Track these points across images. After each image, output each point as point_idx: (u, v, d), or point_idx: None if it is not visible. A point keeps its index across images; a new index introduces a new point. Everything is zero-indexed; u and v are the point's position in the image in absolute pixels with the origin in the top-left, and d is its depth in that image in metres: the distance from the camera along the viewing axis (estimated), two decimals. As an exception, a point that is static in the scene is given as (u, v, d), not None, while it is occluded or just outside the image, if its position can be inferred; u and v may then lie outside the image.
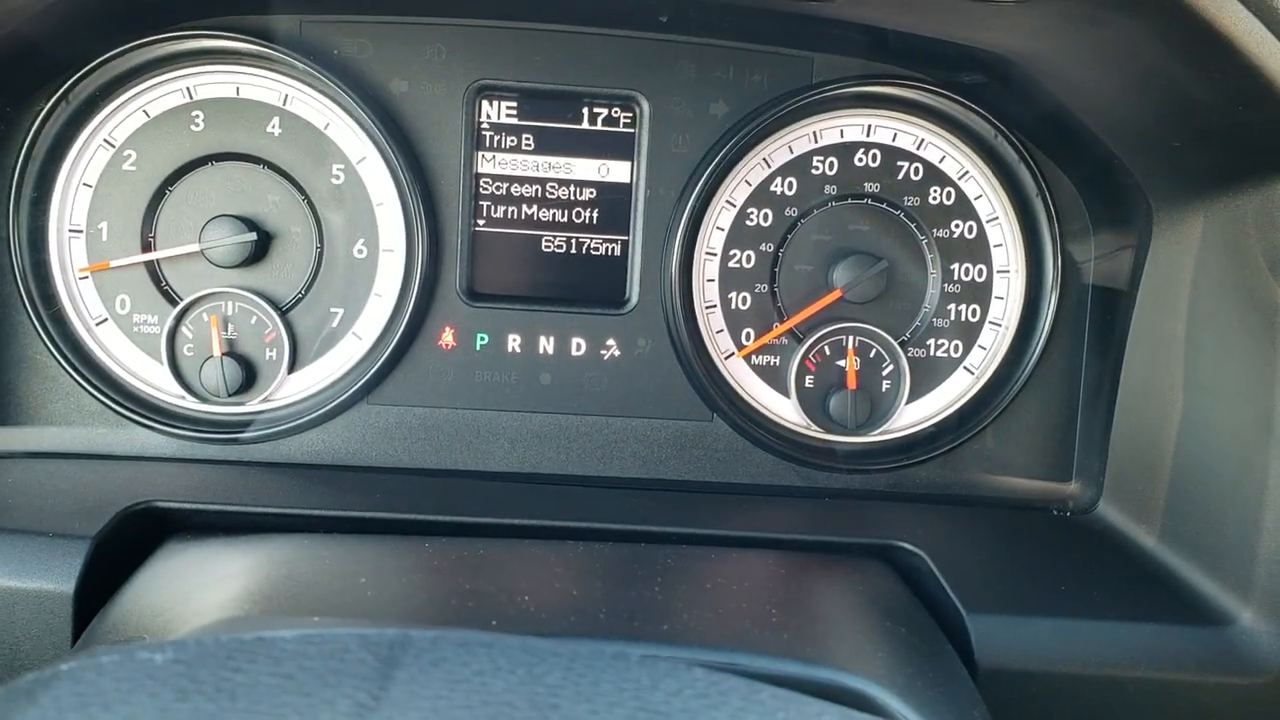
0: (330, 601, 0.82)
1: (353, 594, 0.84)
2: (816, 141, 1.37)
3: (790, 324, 1.38)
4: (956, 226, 1.38)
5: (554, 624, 0.77)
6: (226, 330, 1.33)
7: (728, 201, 1.37)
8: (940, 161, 1.37)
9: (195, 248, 1.30)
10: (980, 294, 1.39)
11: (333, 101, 1.31)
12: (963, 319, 1.40)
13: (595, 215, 1.37)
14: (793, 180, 1.37)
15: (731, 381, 1.39)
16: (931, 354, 1.40)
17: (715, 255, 1.37)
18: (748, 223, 1.37)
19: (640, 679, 0.50)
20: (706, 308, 1.38)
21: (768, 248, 1.37)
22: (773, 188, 1.37)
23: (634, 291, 1.37)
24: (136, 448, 1.32)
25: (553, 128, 1.35)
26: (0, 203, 1.27)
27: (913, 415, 1.40)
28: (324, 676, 0.46)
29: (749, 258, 1.38)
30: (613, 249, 1.37)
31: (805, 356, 1.38)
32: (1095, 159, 1.26)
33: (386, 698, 0.46)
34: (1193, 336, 1.16)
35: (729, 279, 1.38)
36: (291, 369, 1.34)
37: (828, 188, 1.37)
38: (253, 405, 1.34)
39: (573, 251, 1.37)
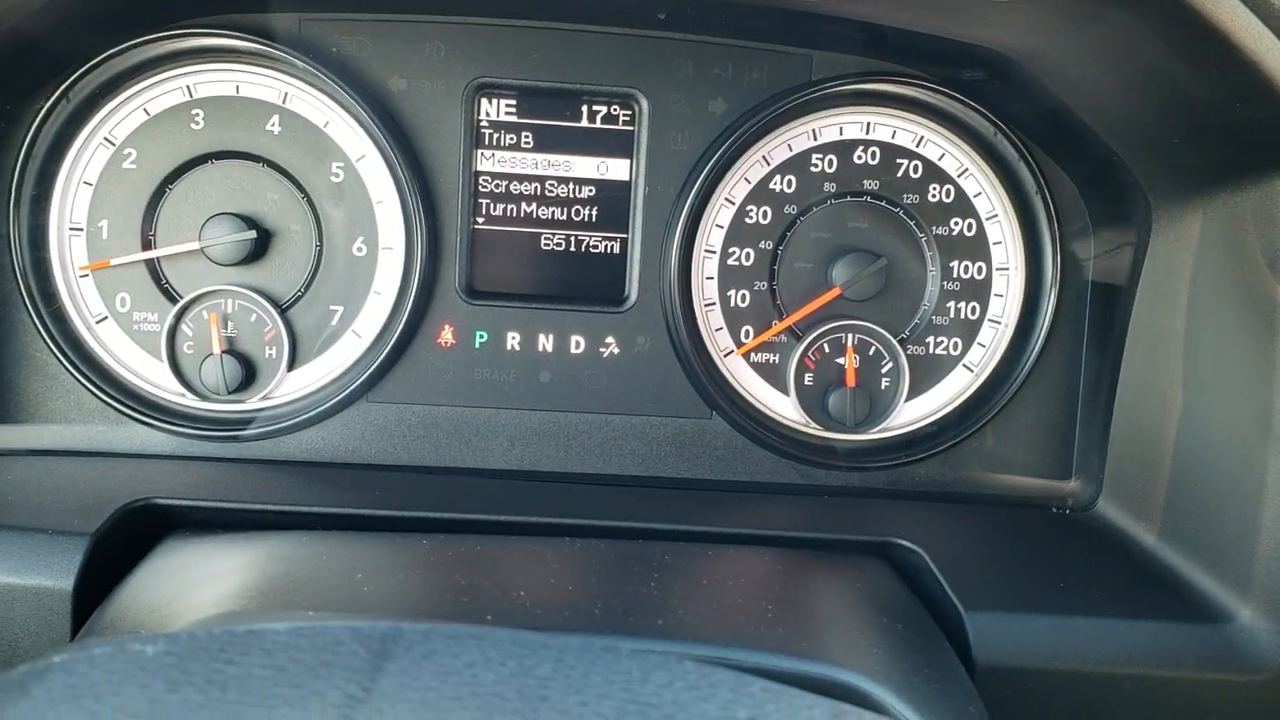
0: (326, 597, 0.83)
1: (349, 589, 0.84)
2: (816, 139, 1.37)
3: (789, 322, 1.38)
4: (956, 224, 1.38)
5: (549, 619, 0.77)
6: (226, 328, 1.33)
7: (727, 199, 1.37)
8: (939, 159, 1.37)
9: (195, 246, 1.31)
10: (979, 291, 1.39)
11: (332, 100, 1.32)
12: (962, 316, 1.39)
13: (594, 213, 1.37)
14: (792, 178, 1.37)
15: (730, 379, 1.39)
16: (931, 351, 1.40)
17: (714, 253, 1.37)
18: (747, 220, 1.37)
19: (631, 671, 0.50)
20: (705, 305, 1.38)
21: (767, 245, 1.37)
22: (772, 185, 1.37)
23: (633, 289, 1.37)
24: (136, 445, 1.32)
25: (552, 125, 1.35)
26: (1, 201, 1.28)
27: (912, 413, 1.40)
28: (315, 668, 0.47)
29: (748, 255, 1.38)
30: (612, 247, 1.37)
31: (804, 354, 1.38)
32: (1094, 156, 1.26)
33: (377, 689, 0.46)
34: (1192, 333, 1.16)
35: (728, 276, 1.38)
36: (291, 367, 1.35)
37: (827, 185, 1.37)
38: (252, 403, 1.34)
39: (572, 249, 1.37)
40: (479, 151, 1.35)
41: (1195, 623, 1.05)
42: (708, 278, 1.37)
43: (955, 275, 1.39)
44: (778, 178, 1.37)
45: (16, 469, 1.22)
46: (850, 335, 1.38)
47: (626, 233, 1.37)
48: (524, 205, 1.36)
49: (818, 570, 1.05)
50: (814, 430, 1.39)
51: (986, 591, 1.06)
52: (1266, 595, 1.03)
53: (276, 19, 1.29)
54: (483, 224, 1.36)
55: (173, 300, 1.33)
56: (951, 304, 1.39)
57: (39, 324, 1.29)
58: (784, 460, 1.38)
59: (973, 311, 1.39)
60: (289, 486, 1.24)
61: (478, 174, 1.35)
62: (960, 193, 1.38)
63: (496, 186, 1.36)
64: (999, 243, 1.38)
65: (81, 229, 1.32)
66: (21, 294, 1.29)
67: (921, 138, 1.37)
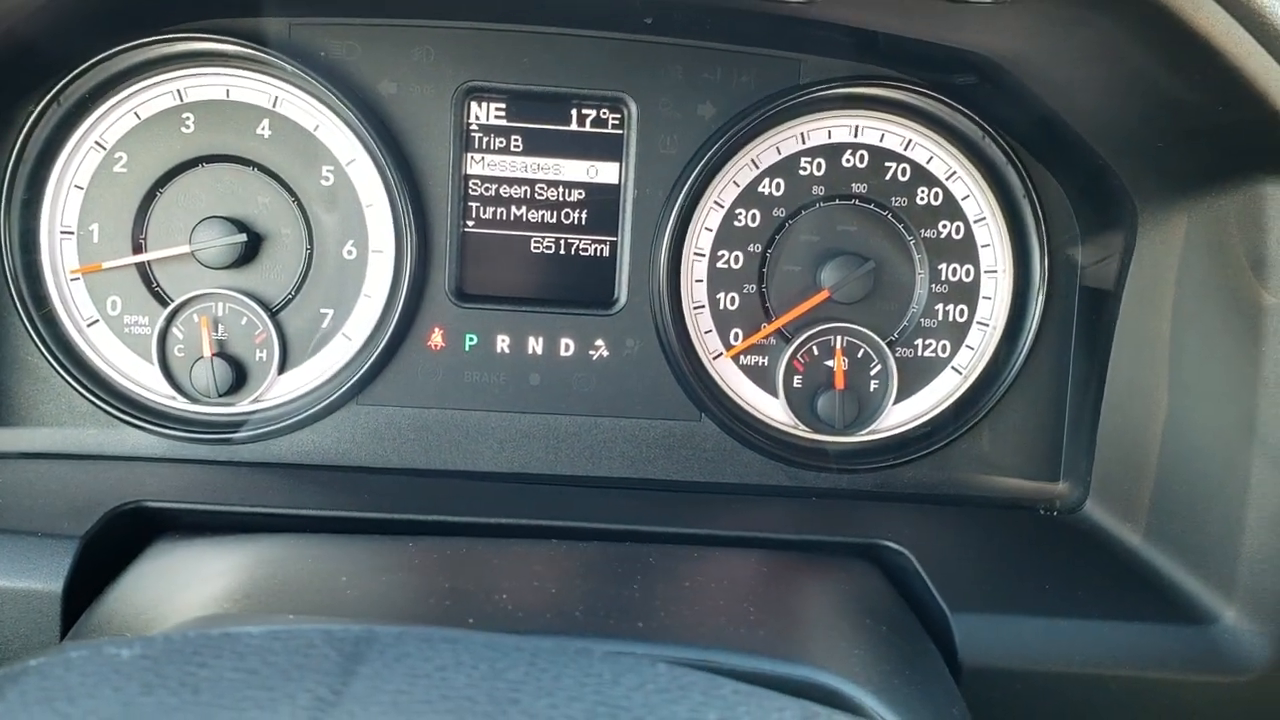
0: (310, 600, 0.83)
1: (332, 592, 0.84)
2: (804, 142, 1.37)
3: (778, 324, 1.38)
4: (944, 227, 1.39)
5: (530, 622, 0.78)
6: (217, 331, 1.34)
7: (716, 202, 1.37)
8: (928, 162, 1.38)
9: (186, 249, 1.31)
10: (968, 294, 1.40)
11: (322, 104, 1.32)
12: (950, 319, 1.40)
13: (584, 216, 1.37)
14: (780, 181, 1.37)
15: (720, 381, 1.39)
16: (919, 354, 1.40)
17: (703, 256, 1.38)
18: (736, 223, 1.38)
19: (602, 674, 0.50)
20: (695, 308, 1.38)
21: (756, 248, 1.38)
22: (761, 188, 1.37)
23: (622, 292, 1.37)
24: (127, 448, 1.32)
25: (541, 129, 1.36)
26: (-8, 205, 1.28)
27: (900, 415, 1.41)
28: (287, 671, 0.47)
29: (737, 258, 1.38)
30: (601, 250, 1.38)
31: (793, 356, 1.38)
32: (1081, 160, 1.26)
33: (348, 692, 0.46)
34: (1177, 336, 1.16)
35: (717, 279, 1.38)
36: (281, 370, 1.35)
37: (815, 188, 1.37)
38: (243, 406, 1.35)
39: (561, 252, 1.38)
40: (469, 155, 1.35)
41: (1180, 624, 1.06)
42: (697, 280, 1.38)
43: (944, 278, 1.39)
44: (766, 181, 1.37)
45: (7, 472, 1.22)
46: (839, 338, 1.38)
47: (616, 236, 1.37)
48: (514, 208, 1.37)
49: (803, 572, 1.05)
50: (803, 432, 1.40)
51: (973, 593, 1.06)
52: (1250, 597, 1.04)
53: (267, 23, 1.30)
54: (472, 227, 1.37)
55: (163, 303, 1.33)
56: (940, 306, 1.40)
57: (30, 327, 1.30)
58: (773, 462, 1.39)
59: (961, 314, 1.40)
60: (279, 489, 1.25)
61: (467, 177, 1.36)
62: (948, 196, 1.38)
63: (486, 190, 1.36)
64: (987, 245, 1.39)
65: (72, 232, 1.32)
66: (13, 297, 1.30)
67: (910, 141, 1.37)
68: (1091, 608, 1.07)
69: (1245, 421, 1.04)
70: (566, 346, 1.37)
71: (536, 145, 1.36)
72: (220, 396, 1.33)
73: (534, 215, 1.37)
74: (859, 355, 1.39)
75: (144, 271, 1.34)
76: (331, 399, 1.33)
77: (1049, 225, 1.36)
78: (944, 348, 1.40)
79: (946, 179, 1.38)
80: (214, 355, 1.32)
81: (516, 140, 1.36)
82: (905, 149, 1.38)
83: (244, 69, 1.32)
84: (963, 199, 1.38)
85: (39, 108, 1.27)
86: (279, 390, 1.36)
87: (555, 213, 1.37)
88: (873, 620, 0.95)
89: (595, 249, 1.38)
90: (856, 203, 1.38)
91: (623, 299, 1.37)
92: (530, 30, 1.33)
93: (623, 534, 1.12)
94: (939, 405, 1.41)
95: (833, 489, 1.39)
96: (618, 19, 1.31)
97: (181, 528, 1.09)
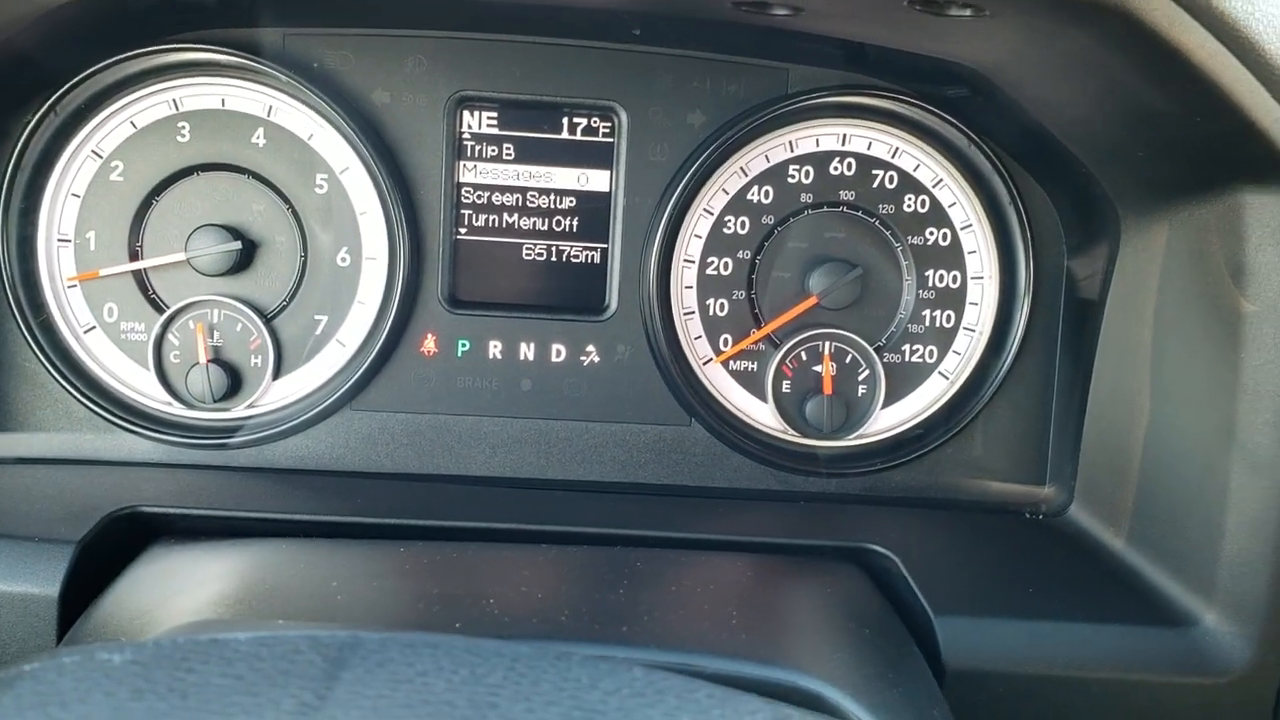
0: (301, 605, 0.85)
1: (323, 598, 0.86)
2: (792, 150, 1.39)
3: (767, 330, 1.40)
4: (931, 233, 1.40)
5: (516, 626, 0.79)
6: (212, 337, 1.35)
7: (705, 210, 1.39)
8: (915, 170, 1.39)
9: (181, 256, 1.33)
10: (955, 300, 1.41)
11: (316, 113, 1.34)
12: (937, 325, 1.41)
13: (575, 223, 1.39)
14: (769, 189, 1.39)
15: (709, 387, 1.41)
16: (907, 359, 1.42)
17: (693, 262, 1.40)
18: (725, 230, 1.39)
19: (580, 678, 0.52)
20: (685, 314, 1.40)
21: (745, 255, 1.39)
22: (750, 196, 1.39)
23: (613, 298, 1.39)
24: (123, 453, 1.34)
25: (533, 138, 1.38)
26: (-11, 213, 1.30)
27: (888, 420, 1.42)
28: (273, 677, 0.49)
29: (726, 265, 1.40)
30: (592, 256, 1.40)
31: (782, 362, 1.40)
32: (1066, 169, 1.28)
33: (331, 697, 0.48)
34: (1159, 343, 1.18)
35: (707, 286, 1.40)
36: (276, 375, 1.37)
37: (804, 196, 1.39)
38: (238, 411, 1.36)
39: (553, 259, 1.39)
40: (461, 163, 1.37)
41: (1161, 627, 1.07)
42: (687, 287, 1.40)
43: (931, 284, 1.41)
44: (755, 188, 1.39)
45: (5, 477, 1.24)
46: (827, 343, 1.40)
47: (607, 243, 1.39)
48: (505, 216, 1.39)
49: (788, 576, 1.07)
50: (792, 437, 1.41)
51: (957, 596, 1.08)
52: (1229, 599, 1.05)
53: (262, 34, 1.31)
54: (465, 234, 1.38)
55: (159, 310, 1.35)
56: (927, 312, 1.41)
57: (28, 334, 1.31)
58: (762, 467, 1.40)
59: (948, 320, 1.41)
60: (274, 494, 1.26)
61: (460, 185, 1.37)
62: (935, 203, 1.40)
63: (478, 197, 1.38)
64: (974, 252, 1.40)
65: (70, 240, 1.34)
66: (10, 304, 1.31)
67: (897, 149, 1.39)
68: (1074, 610, 1.08)
69: (1225, 427, 1.05)
70: (558, 352, 1.39)
71: (528, 154, 1.38)
72: (216, 402, 1.35)
73: (526, 223, 1.39)
74: (847, 360, 1.41)
75: (140, 279, 1.35)
76: (326, 404, 1.35)
77: (1035, 232, 1.38)
78: (931, 353, 1.42)
79: (933, 186, 1.40)
80: (209, 361, 1.34)
81: (508, 149, 1.37)
82: (892, 157, 1.39)
83: (239, 79, 1.33)
84: (949, 206, 1.40)
85: (36, 117, 1.29)
86: (274, 396, 1.37)
87: (547, 220, 1.39)
88: (856, 623, 0.97)
89: (586, 256, 1.40)
90: (844, 210, 1.40)
91: (613, 305, 1.39)
92: (521, 40, 1.34)
93: (613, 538, 1.14)
94: (926, 410, 1.42)
95: (821, 493, 1.40)
96: (607, 29, 1.32)
97: (177, 532, 1.11)
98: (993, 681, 1.03)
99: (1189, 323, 1.13)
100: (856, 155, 1.39)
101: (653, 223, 1.36)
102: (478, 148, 1.37)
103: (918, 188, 1.40)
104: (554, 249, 1.39)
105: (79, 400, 1.33)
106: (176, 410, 1.36)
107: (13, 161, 1.29)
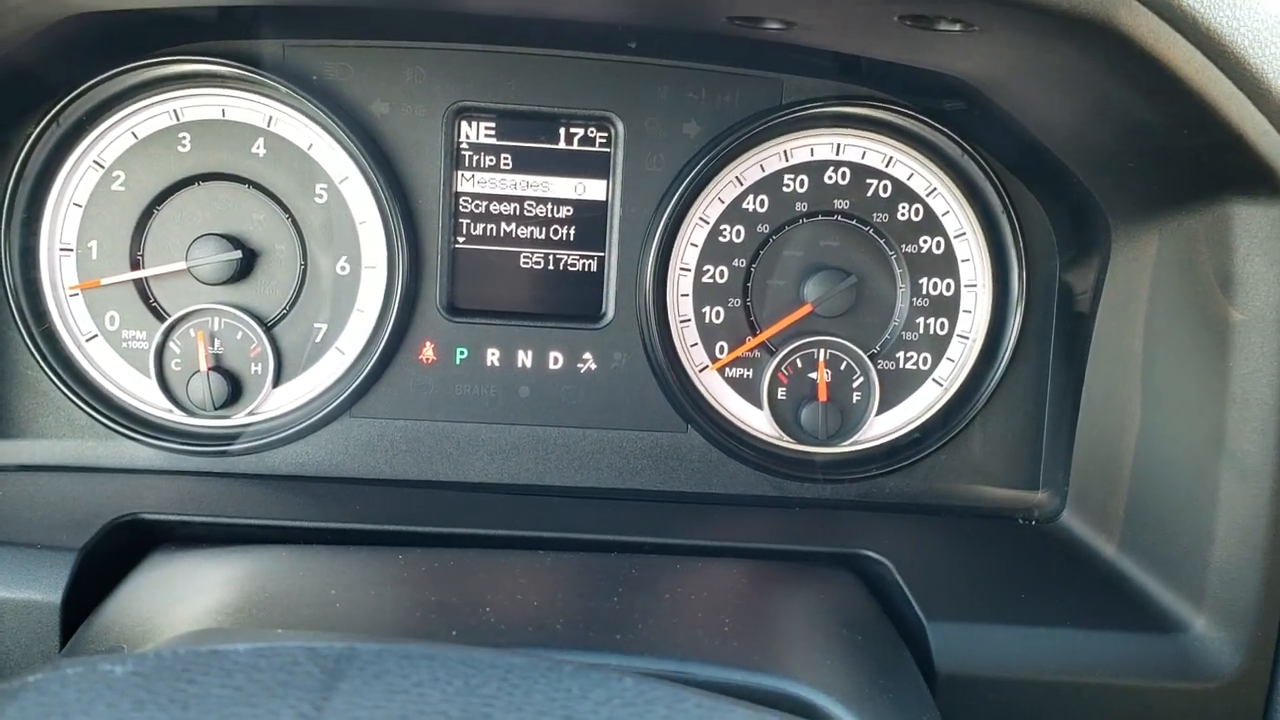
0: (300, 613, 0.86)
1: (322, 606, 0.87)
2: (787, 160, 1.40)
3: (763, 338, 1.41)
4: (925, 242, 1.41)
5: (512, 635, 0.80)
6: (213, 345, 1.36)
7: (701, 218, 1.40)
8: (908, 179, 1.41)
9: (182, 265, 1.34)
10: (948, 308, 1.42)
11: (316, 123, 1.35)
12: (931, 332, 1.43)
13: (572, 232, 1.40)
14: (764, 198, 1.40)
15: (705, 394, 1.42)
16: (901, 366, 1.43)
17: (689, 271, 1.41)
18: (721, 239, 1.41)
19: (571, 688, 0.53)
20: (681, 322, 1.41)
21: (740, 263, 1.41)
22: (745, 205, 1.40)
23: (610, 306, 1.40)
24: (125, 460, 1.35)
25: (530, 147, 1.39)
26: (-8, 223, 1.31)
27: (882, 426, 1.43)
28: (271, 688, 0.50)
29: (722, 273, 1.41)
30: (589, 265, 1.41)
31: (778, 369, 1.41)
32: (1057, 179, 1.29)
33: (328, 708, 0.49)
34: (1149, 352, 1.19)
35: (703, 294, 1.41)
36: (276, 383, 1.38)
37: (799, 205, 1.40)
38: (238, 418, 1.37)
39: (550, 268, 1.41)
40: (459, 173, 1.38)
41: (1151, 633, 1.08)
42: (683, 295, 1.41)
43: (924, 292, 1.42)
44: (751, 197, 1.40)
45: (7, 484, 1.25)
46: (822, 350, 1.41)
47: (603, 251, 1.40)
48: (503, 225, 1.40)
49: (782, 583, 1.08)
50: (787, 443, 1.42)
51: (949, 601, 1.09)
52: (1219, 606, 1.06)
53: (262, 45, 1.33)
54: (463, 243, 1.39)
55: (161, 318, 1.36)
56: (921, 320, 1.42)
57: (30, 342, 1.33)
58: (758, 473, 1.41)
59: (941, 327, 1.43)
60: (273, 501, 1.28)
61: (458, 195, 1.39)
62: (929, 211, 1.41)
63: (476, 207, 1.39)
64: (967, 260, 1.42)
65: (71, 249, 1.35)
66: (13, 313, 1.32)
67: (890, 158, 1.40)
68: (1065, 616, 1.09)
69: (1214, 435, 1.06)
70: (555, 360, 1.40)
71: (525, 163, 1.39)
72: (216, 409, 1.36)
73: (523, 231, 1.40)
74: (842, 368, 1.42)
75: (141, 287, 1.37)
76: (325, 412, 1.36)
77: (1027, 241, 1.39)
78: (925, 360, 1.43)
79: (927, 195, 1.41)
80: (210, 369, 1.35)
81: (506, 158, 1.39)
82: (886, 166, 1.40)
83: (239, 89, 1.34)
84: (943, 215, 1.41)
85: (38, 128, 1.30)
86: (274, 403, 1.39)
87: (544, 229, 1.40)
88: (849, 630, 0.98)
89: (583, 264, 1.41)
90: (839, 218, 1.41)
91: (610, 313, 1.40)
92: (519, 51, 1.36)
93: (610, 544, 1.15)
94: (920, 417, 1.43)
95: (816, 499, 1.42)
96: (604, 41, 1.34)
97: (178, 539, 1.12)
98: (984, 687, 1.04)
99: (1179, 332, 1.14)
100: (851, 164, 1.40)
101: (649, 231, 1.37)
102: (476, 157, 1.39)
103: (911, 196, 1.41)
104: (551, 257, 1.41)
105: (81, 408, 1.34)
106: (177, 417, 1.37)
107: (15, 172, 1.30)
